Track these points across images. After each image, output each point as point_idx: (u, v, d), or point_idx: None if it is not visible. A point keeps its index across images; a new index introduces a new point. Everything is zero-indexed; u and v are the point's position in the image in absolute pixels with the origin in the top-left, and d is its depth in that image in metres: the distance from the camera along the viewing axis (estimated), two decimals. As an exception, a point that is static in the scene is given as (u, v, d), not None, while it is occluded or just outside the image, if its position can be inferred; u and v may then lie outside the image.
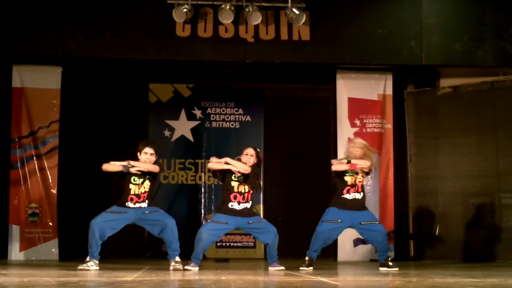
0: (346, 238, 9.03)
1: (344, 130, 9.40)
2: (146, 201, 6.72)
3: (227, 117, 10.33)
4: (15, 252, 8.89)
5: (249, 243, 9.96)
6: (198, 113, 10.31)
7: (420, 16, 9.15)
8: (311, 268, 6.78)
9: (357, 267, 7.74)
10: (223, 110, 10.34)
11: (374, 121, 9.56)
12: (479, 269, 6.85)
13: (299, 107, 10.53)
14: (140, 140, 6.96)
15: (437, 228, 9.28)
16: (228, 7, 8.57)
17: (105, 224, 6.58)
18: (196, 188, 10.20)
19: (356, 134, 9.06)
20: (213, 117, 10.32)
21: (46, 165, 9.08)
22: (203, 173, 10.17)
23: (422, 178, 9.51)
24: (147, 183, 6.73)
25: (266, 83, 10.47)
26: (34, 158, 9.07)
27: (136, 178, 6.72)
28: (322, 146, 9.75)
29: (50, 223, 9.02)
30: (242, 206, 6.79)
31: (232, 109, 10.35)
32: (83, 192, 9.75)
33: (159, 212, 6.77)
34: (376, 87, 9.62)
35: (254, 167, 6.86)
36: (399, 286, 4.63)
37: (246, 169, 6.77)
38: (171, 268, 6.59)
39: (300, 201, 10.20)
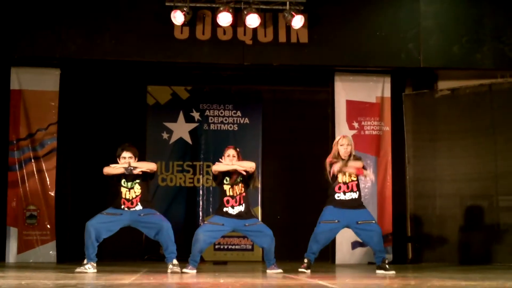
0: (344, 241, 9.03)
1: (342, 133, 9.35)
2: (139, 204, 6.72)
3: (225, 119, 10.33)
4: (13, 255, 8.87)
5: (247, 245, 9.96)
6: (196, 115, 10.30)
7: (418, 18, 9.16)
8: (309, 270, 6.78)
9: (355, 269, 7.74)
10: (221, 112, 10.34)
11: (372, 123, 9.56)
12: (477, 271, 6.85)
13: (297, 110, 10.53)
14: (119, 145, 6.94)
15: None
16: (226, 10, 8.58)
17: (100, 226, 6.58)
18: (194, 191, 10.19)
19: (354, 137, 9.04)
20: (211, 119, 10.31)
21: (44, 167, 9.07)
22: (201, 176, 10.16)
23: (420, 181, 9.51)
24: (137, 187, 6.73)
25: (264, 85, 10.47)
26: (32, 160, 9.05)
27: (125, 181, 6.72)
28: (320, 148, 9.74)
29: (48, 226, 9.01)
30: (237, 209, 6.80)
31: (230, 111, 10.35)
32: (81, 194, 9.75)
33: (155, 215, 6.77)
34: (374, 90, 9.62)
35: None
36: (397, 289, 4.63)
37: (252, 166, 6.80)
38: (169, 271, 6.59)
39: (298, 203, 10.19)
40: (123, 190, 6.72)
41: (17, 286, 4.68)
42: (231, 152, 6.91)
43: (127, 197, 6.70)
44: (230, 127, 10.31)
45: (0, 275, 5.88)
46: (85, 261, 6.54)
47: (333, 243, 8.93)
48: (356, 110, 9.54)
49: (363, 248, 9.08)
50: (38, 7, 8.77)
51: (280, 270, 6.77)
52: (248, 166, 6.83)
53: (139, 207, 6.71)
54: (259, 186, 9.89)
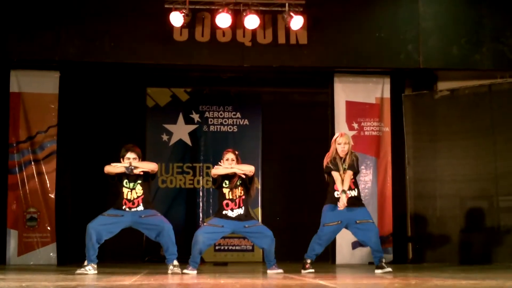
0: (344, 241, 9.03)
1: (342, 134, 9.39)
2: (141, 205, 6.72)
3: (225, 121, 10.33)
4: (14, 257, 8.88)
5: (248, 246, 9.95)
6: (196, 117, 10.31)
7: (418, 19, 9.18)
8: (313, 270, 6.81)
9: (355, 270, 7.73)
10: (221, 114, 10.35)
11: (372, 124, 9.57)
12: (477, 271, 6.85)
13: (296, 111, 10.54)
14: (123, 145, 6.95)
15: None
16: (225, 11, 8.59)
17: (101, 228, 6.58)
18: (194, 192, 10.19)
19: (354, 138, 9.04)
20: (211, 121, 10.32)
21: (44, 169, 9.07)
22: (201, 177, 10.17)
23: (420, 181, 9.50)
24: (139, 188, 6.73)
25: (263, 87, 10.48)
26: (32, 163, 9.06)
27: (127, 182, 6.73)
28: (320, 150, 9.73)
29: (48, 228, 9.01)
30: (236, 212, 6.81)
31: (230, 113, 10.36)
32: (81, 196, 9.75)
33: (156, 216, 6.78)
34: (374, 91, 9.63)
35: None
36: (398, 289, 4.63)
37: (251, 170, 6.80)
38: (169, 272, 6.60)
39: (298, 205, 10.20)
40: (125, 190, 6.72)
41: (18, 288, 4.68)
42: (230, 156, 6.90)
43: (129, 197, 6.71)
44: (230, 128, 10.32)
45: (0, 278, 5.88)
46: (86, 263, 6.54)
47: (333, 243, 8.93)
48: (356, 111, 9.55)
49: (364, 248, 9.08)
50: (37, 10, 8.78)
51: (281, 271, 6.77)
52: (248, 169, 6.83)
53: (140, 207, 6.71)
54: (259, 187, 9.92)
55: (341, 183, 6.82)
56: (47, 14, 8.81)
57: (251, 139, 10.23)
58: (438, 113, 9.55)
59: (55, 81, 9.20)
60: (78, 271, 6.44)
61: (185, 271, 6.62)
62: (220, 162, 6.89)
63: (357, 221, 6.85)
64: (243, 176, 6.83)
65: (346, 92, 9.58)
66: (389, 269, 6.70)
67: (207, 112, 10.34)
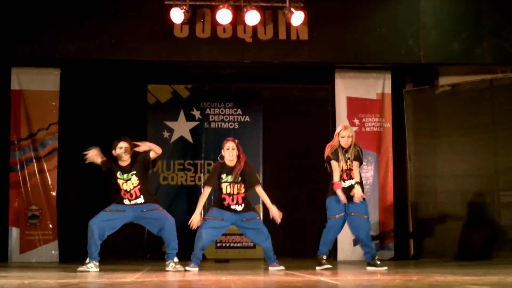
0: (346, 238, 9.02)
1: (343, 130, 9.39)
2: (141, 196, 6.71)
3: (226, 118, 10.32)
4: (15, 255, 8.89)
5: (249, 243, 9.94)
6: (197, 113, 10.30)
7: (418, 14, 9.16)
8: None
9: (356, 266, 7.74)
10: (222, 111, 10.34)
11: (373, 120, 9.56)
12: (478, 267, 6.86)
13: (297, 107, 10.53)
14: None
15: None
16: (225, 7, 8.57)
17: (103, 224, 6.58)
18: (196, 189, 10.19)
19: (355, 134, 9.03)
20: (212, 117, 10.31)
21: (45, 167, 9.08)
22: (202, 174, 10.17)
23: (421, 177, 9.50)
24: (134, 179, 6.71)
25: (264, 83, 10.46)
26: (34, 160, 9.07)
27: (120, 173, 6.72)
28: (321, 146, 9.73)
29: (50, 225, 9.02)
30: (233, 208, 6.81)
31: (230, 109, 10.35)
32: (83, 194, 9.76)
33: (158, 211, 6.77)
34: (375, 86, 9.62)
35: (248, 166, 6.88)
36: (400, 285, 4.63)
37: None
38: (170, 268, 6.60)
39: (299, 201, 10.19)
40: (120, 182, 6.72)
41: (20, 286, 4.69)
42: (230, 144, 6.90)
43: (125, 188, 6.70)
44: (231, 125, 10.31)
45: (2, 275, 5.89)
46: (88, 260, 6.55)
47: (334, 240, 8.92)
48: (357, 106, 9.54)
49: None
50: (38, 8, 8.77)
51: (282, 267, 6.78)
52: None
53: (141, 199, 6.70)
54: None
55: (339, 174, 6.85)
56: (48, 11, 8.80)
57: (252, 136, 10.21)
58: (439, 108, 9.54)
59: (55, 78, 9.21)
60: (80, 269, 6.45)
61: (187, 268, 6.63)
62: (222, 151, 6.89)
63: (352, 214, 6.87)
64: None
65: (347, 88, 9.57)
66: (384, 268, 6.68)
67: (208, 109, 10.33)
